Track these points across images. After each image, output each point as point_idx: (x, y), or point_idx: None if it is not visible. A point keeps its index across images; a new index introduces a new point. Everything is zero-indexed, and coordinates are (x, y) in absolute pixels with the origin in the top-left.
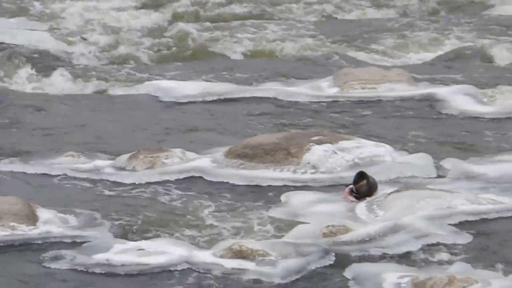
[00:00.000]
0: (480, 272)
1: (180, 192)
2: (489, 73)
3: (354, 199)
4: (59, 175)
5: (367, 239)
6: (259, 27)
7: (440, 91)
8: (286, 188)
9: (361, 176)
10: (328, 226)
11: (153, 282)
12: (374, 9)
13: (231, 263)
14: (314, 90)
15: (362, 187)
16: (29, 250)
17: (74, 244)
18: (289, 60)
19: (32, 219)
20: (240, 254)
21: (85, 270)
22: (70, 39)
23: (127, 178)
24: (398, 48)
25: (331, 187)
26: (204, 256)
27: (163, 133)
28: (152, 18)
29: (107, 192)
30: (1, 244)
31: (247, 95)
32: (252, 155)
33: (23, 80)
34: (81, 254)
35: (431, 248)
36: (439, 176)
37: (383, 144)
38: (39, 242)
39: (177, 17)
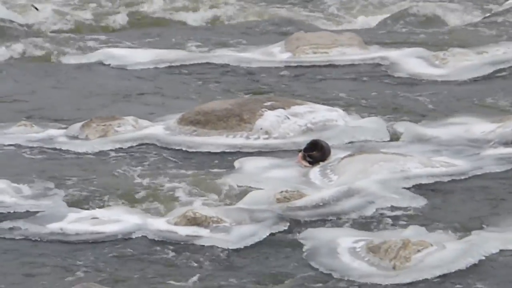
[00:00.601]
0: (435, 235)
1: (133, 160)
2: (440, 35)
3: (307, 164)
4: (11, 145)
5: (321, 204)
6: None
7: (392, 54)
8: (239, 154)
9: (313, 145)
10: (281, 192)
11: (108, 250)
12: None
13: (185, 230)
14: (266, 56)
15: (313, 156)
16: None
17: (28, 214)
18: (240, 26)
19: None
20: (194, 221)
21: (39, 239)
22: (21, 8)
23: (80, 146)
24: (347, 11)
25: (284, 153)
26: (159, 224)
27: (115, 101)
28: None
29: (60, 162)
30: None
31: (199, 61)
32: (205, 122)
33: None
34: (35, 224)
35: (385, 212)
36: (392, 140)
37: (335, 108)
38: None
39: None
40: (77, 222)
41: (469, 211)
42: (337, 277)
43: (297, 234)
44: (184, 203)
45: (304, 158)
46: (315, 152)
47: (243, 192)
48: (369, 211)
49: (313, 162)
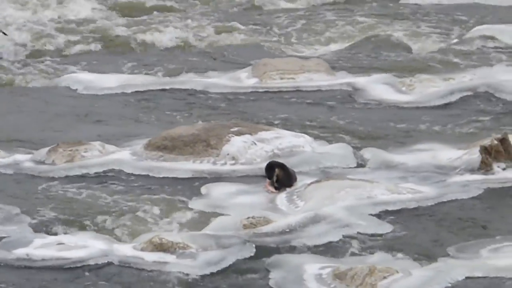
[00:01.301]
0: (401, 262)
1: (100, 186)
2: (407, 62)
3: (274, 189)
4: None
5: (287, 230)
6: (177, 19)
7: (359, 80)
8: (206, 180)
9: (270, 168)
10: (248, 218)
11: (74, 276)
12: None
13: (151, 256)
14: (233, 81)
15: (279, 176)
16: None
17: None
18: (206, 51)
19: None
20: (161, 247)
21: (4, 265)
22: None
23: (46, 172)
24: (314, 37)
25: (251, 178)
26: (125, 250)
27: (82, 126)
28: (71, 9)
29: (26, 187)
30: None
31: (166, 87)
32: (171, 147)
33: None
34: (0, 249)
35: (352, 238)
36: (358, 166)
37: (302, 134)
38: None
39: (96, 8)
40: (43, 248)
41: (436, 238)
42: None
43: (264, 261)
44: (151, 228)
45: (272, 184)
46: (278, 170)
47: (210, 218)
48: (336, 238)
49: (279, 188)
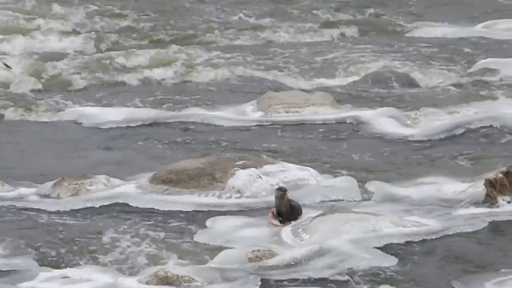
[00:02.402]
0: None
1: (105, 219)
2: (411, 96)
3: (278, 222)
4: None
5: (292, 263)
6: (183, 52)
7: (364, 113)
8: (211, 213)
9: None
10: (253, 251)
11: None
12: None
13: None
14: (238, 114)
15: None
16: None
17: None
18: (212, 84)
19: None
20: (166, 280)
21: None
22: None
23: (51, 205)
24: (319, 71)
25: (256, 211)
26: (130, 283)
27: (87, 159)
28: (76, 43)
29: (31, 220)
30: None
31: (171, 120)
32: (176, 181)
33: None
34: (6, 284)
35: (357, 271)
36: (363, 199)
37: (307, 167)
38: None
39: (100, 41)
40: (48, 282)
41: (440, 271)
42: None
43: None
44: (156, 262)
45: (274, 217)
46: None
47: (215, 251)
48: (341, 271)
49: (284, 221)
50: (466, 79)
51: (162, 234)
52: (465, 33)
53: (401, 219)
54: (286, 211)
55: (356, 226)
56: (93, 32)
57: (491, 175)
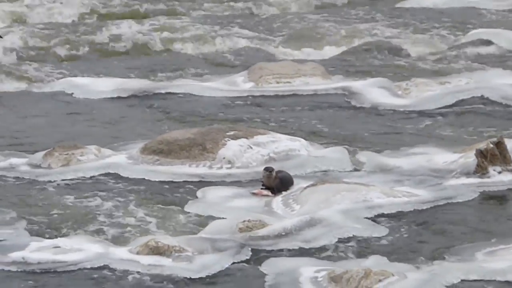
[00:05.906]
0: (396, 265)
1: (95, 189)
2: (403, 66)
3: (269, 193)
4: None
5: (283, 233)
6: (174, 24)
7: (355, 84)
8: (202, 184)
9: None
10: (244, 221)
11: (70, 279)
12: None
13: (147, 260)
14: (229, 85)
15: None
16: None
17: None
18: (202, 55)
19: None
20: (157, 250)
21: (0, 268)
22: None
23: (42, 176)
24: (310, 41)
25: (247, 182)
26: (121, 253)
27: (78, 130)
28: (66, 14)
29: (22, 191)
30: None
31: (162, 91)
32: (167, 151)
33: None
34: None
35: (347, 241)
36: (354, 170)
37: (298, 138)
38: None
39: (92, 13)
40: (39, 251)
41: (431, 241)
42: None
43: (259, 264)
44: (146, 232)
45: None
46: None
47: (206, 221)
48: (331, 241)
49: (275, 191)
50: (457, 49)
51: (153, 205)
52: (457, 3)
53: (392, 189)
54: (276, 187)
55: (347, 196)
56: (80, 2)
57: (482, 145)
